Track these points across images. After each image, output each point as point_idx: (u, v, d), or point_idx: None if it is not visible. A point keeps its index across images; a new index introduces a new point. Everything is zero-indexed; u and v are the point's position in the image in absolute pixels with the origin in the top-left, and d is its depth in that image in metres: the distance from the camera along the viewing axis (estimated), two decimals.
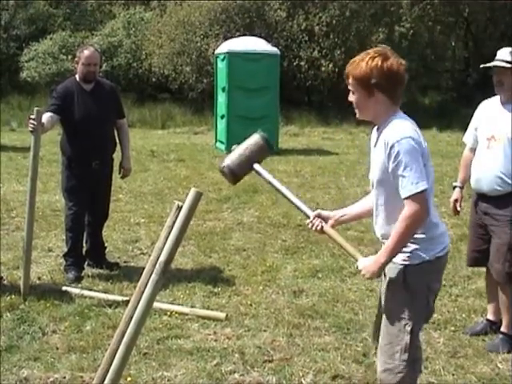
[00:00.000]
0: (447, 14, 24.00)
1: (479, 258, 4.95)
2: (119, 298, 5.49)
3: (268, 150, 3.60)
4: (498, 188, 4.60)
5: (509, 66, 4.58)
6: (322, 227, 3.37)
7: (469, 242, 5.13)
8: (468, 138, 5.05)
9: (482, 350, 4.67)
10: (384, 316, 3.31)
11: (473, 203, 4.95)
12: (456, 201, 5.07)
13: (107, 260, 6.47)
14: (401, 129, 3.06)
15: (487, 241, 4.82)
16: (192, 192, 3.66)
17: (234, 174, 3.62)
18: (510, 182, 4.57)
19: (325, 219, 3.40)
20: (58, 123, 6.15)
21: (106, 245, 6.61)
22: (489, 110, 4.85)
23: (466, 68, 27.01)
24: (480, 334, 4.91)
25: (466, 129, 5.14)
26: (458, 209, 5.09)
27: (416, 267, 3.16)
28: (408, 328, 3.19)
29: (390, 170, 3.06)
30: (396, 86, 3.13)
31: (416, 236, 3.12)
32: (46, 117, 5.85)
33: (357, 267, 3.22)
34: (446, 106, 23.76)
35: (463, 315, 5.30)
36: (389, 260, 3.10)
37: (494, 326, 4.96)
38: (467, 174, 5.00)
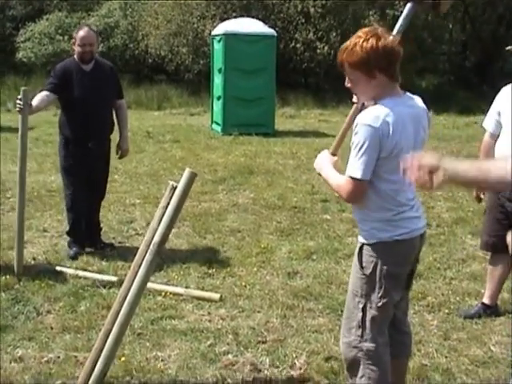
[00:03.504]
0: None
1: (497, 243, 4.82)
2: (113, 279, 5.49)
3: (427, 7, 3.60)
4: None
5: None
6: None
7: (484, 227, 5.05)
8: (489, 123, 4.93)
9: (476, 332, 4.68)
10: (348, 291, 3.42)
11: None
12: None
13: (102, 241, 6.47)
14: (370, 115, 3.04)
15: (505, 226, 4.71)
16: (186, 172, 3.65)
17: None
18: None
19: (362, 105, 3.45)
20: (55, 102, 6.13)
21: (101, 225, 6.60)
22: None
23: (463, 51, 26.92)
24: (474, 317, 4.93)
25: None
26: (482, 196, 5.02)
27: (371, 247, 3.20)
28: (360, 305, 3.25)
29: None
30: (394, 64, 3.10)
31: (375, 215, 3.17)
32: (42, 96, 5.86)
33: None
34: (442, 89, 23.71)
35: (457, 298, 5.31)
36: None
37: (488, 310, 4.98)
38: None
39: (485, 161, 2.31)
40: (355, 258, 3.30)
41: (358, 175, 3.05)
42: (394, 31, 3.45)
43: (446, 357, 4.30)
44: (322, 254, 6.35)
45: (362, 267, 3.24)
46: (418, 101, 3.28)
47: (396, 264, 3.21)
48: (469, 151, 12.16)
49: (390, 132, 3.02)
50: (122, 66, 22.53)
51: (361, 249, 3.26)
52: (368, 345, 3.26)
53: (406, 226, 3.18)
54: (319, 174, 3.43)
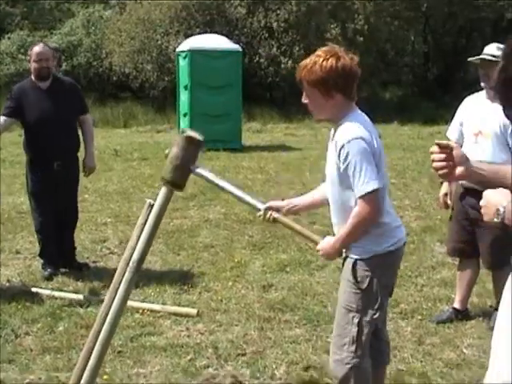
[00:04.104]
0: (406, 9, 24.28)
1: (465, 248, 5.07)
2: (90, 298, 5.53)
3: (196, 147, 3.31)
4: None
5: (493, 59, 4.60)
6: (275, 218, 3.38)
7: (451, 234, 5.24)
8: (452, 133, 5.12)
9: (448, 336, 4.81)
10: (337, 308, 3.42)
11: (458, 196, 5.04)
12: (445, 195, 5.15)
13: (77, 261, 6.47)
14: (351, 130, 3.10)
15: (471, 232, 4.96)
16: (163, 190, 3.72)
17: (176, 185, 3.46)
18: None
19: (276, 210, 3.43)
20: (16, 124, 6.15)
21: (75, 245, 6.60)
22: (474, 106, 4.93)
23: (425, 62, 27.35)
24: (446, 321, 5.06)
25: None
26: (449, 202, 5.18)
27: (366, 261, 3.23)
28: (356, 320, 3.27)
29: (341, 170, 3.13)
30: (352, 84, 3.19)
31: (369, 229, 3.20)
32: None
33: (317, 250, 3.35)
34: (406, 101, 24.07)
35: (429, 304, 5.44)
36: (342, 248, 3.24)
37: (459, 315, 5.12)
38: None
39: (502, 166, 2.46)
40: (347, 273, 3.31)
41: (374, 186, 3.06)
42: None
43: (421, 361, 4.41)
44: (296, 266, 6.43)
45: (357, 282, 3.26)
46: None
47: (389, 275, 3.32)
48: None
49: (374, 140, 3.12)
50: (86, 84, 22.48)
51: (354, 264, 3.27)
52: (359, 360, 3.30)
53: (395, 235, 3.29)
54: (341, 255, 3.34)
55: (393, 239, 3.26)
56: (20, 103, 6.00)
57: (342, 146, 3.08)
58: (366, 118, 3.29)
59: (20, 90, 6.12)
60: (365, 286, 3.24)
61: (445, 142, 2.41)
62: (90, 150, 6.41)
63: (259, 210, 3.40)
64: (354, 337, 3.28)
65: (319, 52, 3.19)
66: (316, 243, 3.35)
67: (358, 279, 3.25)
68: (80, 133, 6.42)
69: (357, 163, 3.05)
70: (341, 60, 3.12)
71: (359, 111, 3.29)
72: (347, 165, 3.08)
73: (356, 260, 3.27)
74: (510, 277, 1.32)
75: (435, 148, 2.41)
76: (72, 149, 6.25)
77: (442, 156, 2.40)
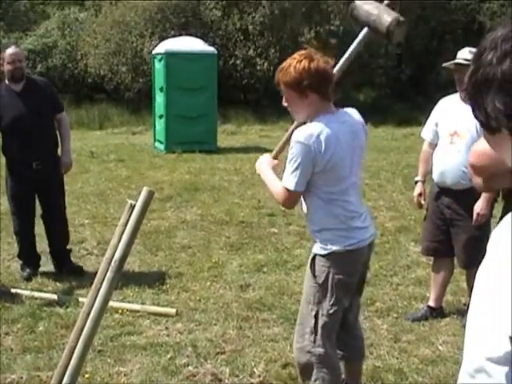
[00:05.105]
0: None
1: (439, 247, 5.19)
2: (70, 298, 5.56)
3: (381, 35, 3.69)
4: (462, 182, 4.78)
5: (466, 62, 4.65)
6: None
7: (425, 233, 5.36)
8: (427, 133, 5.24)
9: (424, 333, 4.92)
10: (302, 298, 3.61)
11: (433, 196, 5.16)
12: (420, 195, 5.24)
13: (72, 263, 6.47)
14: (304, 132, 3.25)
15: (445, 231, 5.10)
16: (144, 191, 3.78)
17: (352, 15, 3.80)
18: None
19: None
20: None
21: (69, 247, 6.59)
22: (450, 107, 5.04)
23: (398, 64, 27.58)
24: (421, 319, 5.17)
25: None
26: (422, 202, 5.28)
27: (324, 257, 3.38)
28: (313, 313, 3.43)
29: None
30: (326, 84, 3.30)
31: (325, 225, 3.36)
32: None
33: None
34: (380, 102, 24.27)
35: (404, 302, 5.54)
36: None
37: (434, 313, 5.23)
38: (428, 169, 5.23)
39: None
40: (308, 267, 3.48)
41: (291, 187, 3.29)
42: (346, 55, 3.66)
43: (397, 358, 4.51)
44: (272, 267, 6.51)
45: (314, 276, 3.41)
46: (354, 114, 3.49)
47: (346, 273, 3.40)
48: (407, 162, 12.53)
49: (323, 148, 3.21)
50: (61, 86, 22.40)
51: (313, 259, 3.43)
52: (320, 350, 3.44)
53: (355, 236, 3.37)
54: (259, 175, 3.67)
55: (352, 240, 3.36)
56: None
57: (292, 141, 3.30)
58: (343, 118, 3.39)
59: None
60: (321, 280, 3.39)
61: None
62: (66, 147, 6.32)
63: None
64: (312, 328, 3.44)
65: (295, 55, 3.35)
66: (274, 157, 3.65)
67: (316, 274, 3.41)
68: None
69: (292, 161, 3.27)
70: (314, 62, 3.26)
71: (336, 111, 3.40)
72: (288, 156, 3.31)
73: (315, 255, 3.43)
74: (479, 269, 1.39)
75: None
76: (50, 148, 6.24)
77: None
